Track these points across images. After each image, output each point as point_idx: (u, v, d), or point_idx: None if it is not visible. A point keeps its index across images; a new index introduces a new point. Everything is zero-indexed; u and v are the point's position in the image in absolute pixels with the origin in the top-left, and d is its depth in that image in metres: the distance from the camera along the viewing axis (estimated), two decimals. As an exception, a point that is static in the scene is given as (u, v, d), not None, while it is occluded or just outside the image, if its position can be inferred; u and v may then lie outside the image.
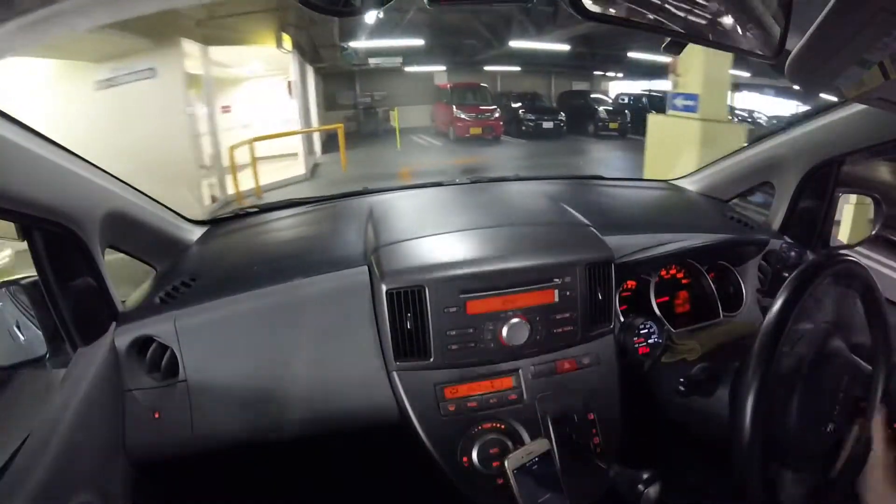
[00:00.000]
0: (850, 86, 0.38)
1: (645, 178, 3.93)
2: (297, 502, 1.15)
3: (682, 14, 0.47)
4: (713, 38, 0.49)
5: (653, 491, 0.70)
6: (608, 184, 1.48)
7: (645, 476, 0.71)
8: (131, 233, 0.93)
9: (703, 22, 0.48)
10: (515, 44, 11.03)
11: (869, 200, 1.12)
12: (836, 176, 1.11)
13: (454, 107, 11.09)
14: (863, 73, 0.36)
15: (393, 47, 10.98)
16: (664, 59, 11.26)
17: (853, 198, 1.13)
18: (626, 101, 13.69)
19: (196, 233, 1.13)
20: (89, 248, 0.77)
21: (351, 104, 13.59)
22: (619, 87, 15.71)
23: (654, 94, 13.31)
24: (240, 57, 7.83)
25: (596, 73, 15.70)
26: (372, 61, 11.52)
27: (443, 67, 13.22)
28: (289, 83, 8.80)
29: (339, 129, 8.58)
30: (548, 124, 11.50)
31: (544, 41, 10.61)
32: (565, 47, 10.91)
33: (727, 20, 0.49)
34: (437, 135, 11.83)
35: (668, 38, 0.48)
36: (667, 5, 0.47)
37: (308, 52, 9.72)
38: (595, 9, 0.44)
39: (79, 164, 0.77)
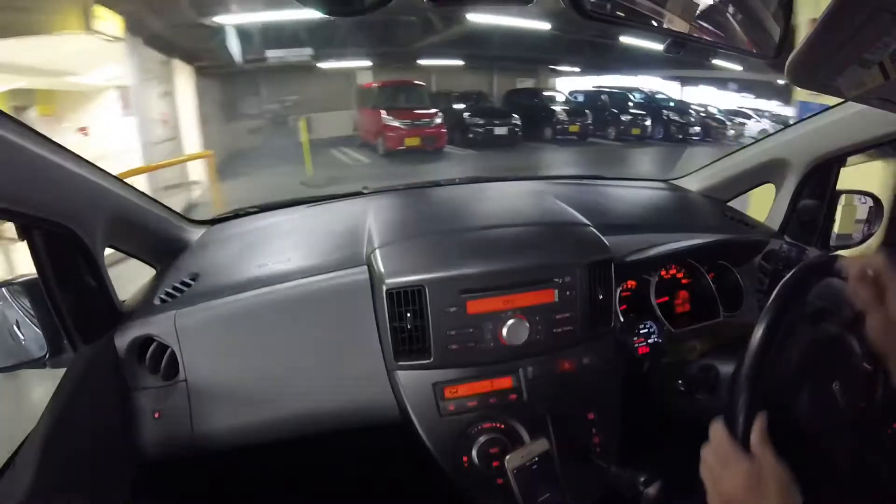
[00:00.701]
0: (850, 86, 0.38)
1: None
2: (297, 502, 1.15)
3: (682, 14, 0.47)
4: (713, 38, 0.50)
5: (653, 491, 0.70)
6: (608, 184, 1.48)
7: (645, 476, 0.71)
8: (131, 232, 0.93)
9: (705, 21, 0.48)
10: (456, 30, 8.64)
11: (857, 201, 1.12)
12: (836, 176, 1.12)
13: (383, 112, 8.50)
14: (863, 73, 0.36)
15: (280, 21, 7.48)
16: (631, 48, 9.20)
17: (842, 198, 1.13)
18: (581, 99, 11.75)
19: (196, 233, 1.13)
20: (89, 247, 0.76)
21: (255, 113, 10.73)
22: (566, 83, 13.01)
23: (615, 91, 11.86)
24: (56, 54, 4.97)
25: (544, 67, 12.91)
26: (271, 54, 8.07)
27: (367, 62, 10.48)
28: (121, 91, 5.75)
29: (208, 157, 5.74)
30: (501, 130, 9.44)
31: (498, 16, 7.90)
32: (528, 24, 8.31)
33: (728, 20, 0.49)
34: (364, 147, 9.31)
35: (670, 38, 0.48)
36: (668, 5, 0.47)
37: (170, 41, 6.64)
38: (595, 9, 0.44)
39: (79, 164, 0.77)
